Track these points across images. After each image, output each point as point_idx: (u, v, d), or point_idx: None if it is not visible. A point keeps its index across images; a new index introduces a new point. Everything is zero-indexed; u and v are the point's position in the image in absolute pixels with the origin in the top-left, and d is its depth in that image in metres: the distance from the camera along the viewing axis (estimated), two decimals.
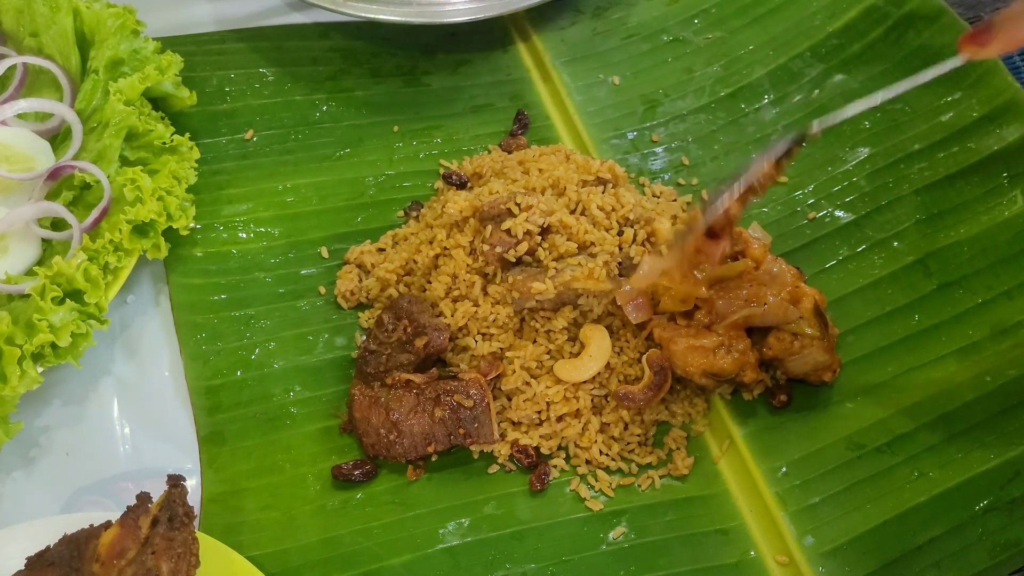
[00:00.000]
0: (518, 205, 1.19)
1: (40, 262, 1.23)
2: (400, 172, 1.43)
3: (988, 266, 1.24)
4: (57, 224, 1.25)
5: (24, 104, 1.29)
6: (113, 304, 1.22)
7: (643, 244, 1.23)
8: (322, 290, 1.31)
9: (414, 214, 1.38)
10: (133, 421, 1.19)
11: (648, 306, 1.17)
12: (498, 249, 1.18)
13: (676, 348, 1.13)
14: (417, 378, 1.15)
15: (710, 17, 1.61)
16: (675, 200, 1.39)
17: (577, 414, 1.17)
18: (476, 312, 1.19)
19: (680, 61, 1.56)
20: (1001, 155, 1.30)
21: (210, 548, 1.00)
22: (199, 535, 0.95)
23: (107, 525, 0.93)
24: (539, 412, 1.16)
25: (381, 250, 1.34)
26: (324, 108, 1.49)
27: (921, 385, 1.17)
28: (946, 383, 1.17)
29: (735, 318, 1.14)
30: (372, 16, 1.48)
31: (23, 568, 0.91)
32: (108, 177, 1.24)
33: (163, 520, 0.93)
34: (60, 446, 1.16)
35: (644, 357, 1.15)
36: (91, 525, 0.94)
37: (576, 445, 1.17)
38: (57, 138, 1.35)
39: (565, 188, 1.24)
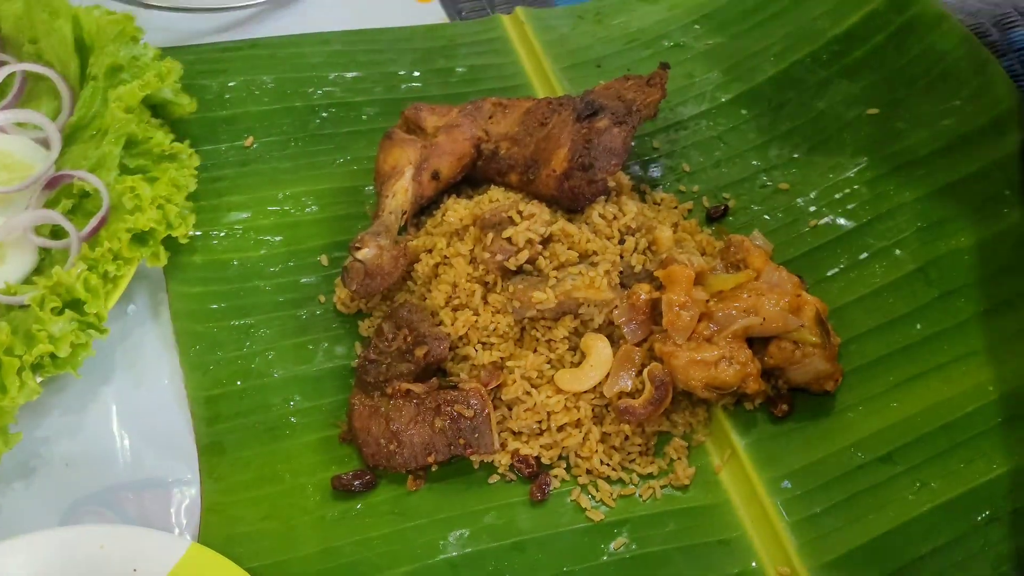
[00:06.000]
0: (519, 213, 1.18)
1: (39, 271, 1.23)
2: None
3: (989, 274, 1.23)
4: (56, 232, 1.24)
5: (10, 115, 1.29)
6: (112, 313, 1.21)
7: (644, 253, 1.23)
8: (321, 299, 1.30)
9: (414, 222, 1.37)
10: (132, 431, 1.18)
11: (647, 323, 1.17)
12: (499, 257, 1.18)
13: (677, 362, 1.13)
14: (417, 388, 1.15)
15: (711, 23, 1.61)
16: (676, 207, 1.39)
17: (578, 424, 1.16)
18: (476, 321, 1.19)
19: (681, 67, 1.56)
20: (1002, 163, 1.29)
21: (208, 561, 1.00)
22: (196, 547, 0.95)
23: None
24: (539, 422, 1.16)
25: None
26: (323, 115, 1.48)
27: (923, 394, 1.16)
28: (948, 392, 1.16)
29: (735, 328, 1.13)
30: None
31: None
32: (107, 185, 1.24)
33: None
34: (59, 457, 1.16)
35: (646, 371, 1.14)
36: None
37: (577, 455, 1.16)
38: None
39: None
